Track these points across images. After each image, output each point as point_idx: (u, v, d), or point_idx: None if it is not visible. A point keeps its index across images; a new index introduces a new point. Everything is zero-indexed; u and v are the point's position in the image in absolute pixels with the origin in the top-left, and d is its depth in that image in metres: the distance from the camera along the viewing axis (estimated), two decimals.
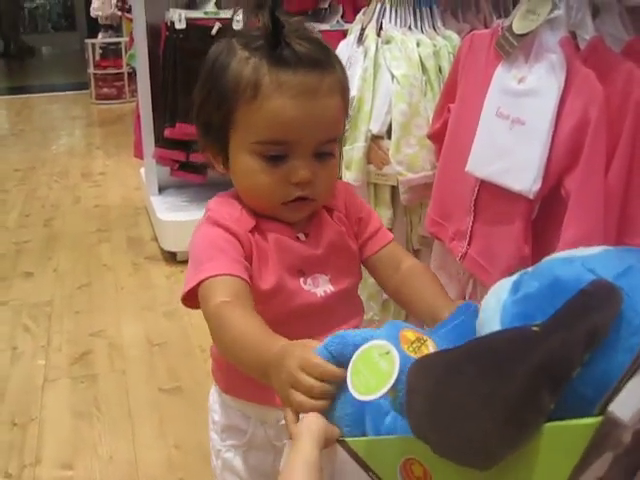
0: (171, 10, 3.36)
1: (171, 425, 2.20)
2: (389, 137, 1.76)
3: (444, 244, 1.62)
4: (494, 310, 0.50)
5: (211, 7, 3.42)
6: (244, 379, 0.82)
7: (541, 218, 1.35)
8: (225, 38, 1.00)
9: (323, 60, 0.95)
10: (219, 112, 0.96)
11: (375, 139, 1.80)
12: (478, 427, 0.41)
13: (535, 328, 0.43)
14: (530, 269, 0.52)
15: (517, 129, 1.34)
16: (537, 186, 1.30)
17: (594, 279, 0.44)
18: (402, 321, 0.63)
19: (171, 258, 3.46)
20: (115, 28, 8.32)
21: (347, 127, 1.76)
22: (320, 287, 1.01)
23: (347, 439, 0.56)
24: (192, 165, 3.44)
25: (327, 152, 0.98)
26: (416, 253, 1.88)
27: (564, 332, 0.41)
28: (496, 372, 0.41)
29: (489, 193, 1.43)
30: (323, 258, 1.02)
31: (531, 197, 1.31)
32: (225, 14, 3.38)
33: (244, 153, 0.96)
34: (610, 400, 0.39)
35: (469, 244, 1.51)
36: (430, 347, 0.59)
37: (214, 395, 1.18)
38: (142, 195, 4.27)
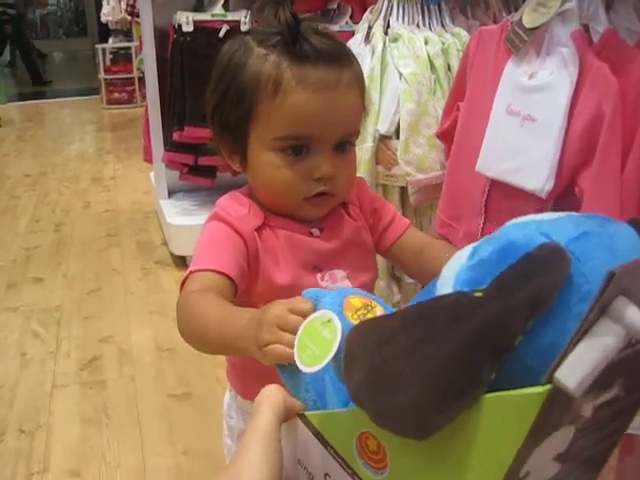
0: (178, 13, 3.34)
1: (180, 431, 2.17)
2: (397, 137, 1.73)
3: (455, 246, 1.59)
4: (449, 275, 0.47)
5: (218, 9, 3.40)
6: (262, 382, 0.79)
7: None
8: (237, 36, 0.99)
9: (341, 55, 0.95)
10: (238, 109, 0.95)
11: (383, 139, 1.77)
12: (411, 396, 0.40)
13: (478, 294, 0.40)
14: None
15: (528, 126, 1.31)
16: (550, 185, 1.26)
17: (542, 242, 0.42)
18: (353, 288, 0.62)
19: (181, 262, 3.44)
20: (125, 33, 8.34)
21: None
22: (338, 283, 1.00)
23: (306, 413, 0.54)
24: (201, 168, 3.41)
25: (348, 142, 0.97)
26: None
27: (503, 298, 0.38)
28: (430, 339, 0.39)
29: (500, 193, 1.40)
30: (339, 253, 1.01)
31: (543, 196, 1.27)
32: (232, 16, 3.35)
33: (264, 149, 0.95)
34: (557, 368, 0.37)
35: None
36: (378, 314, 0.58)
37: (229, 401, 1.16)
38: (152, 199, 4.26)
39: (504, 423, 0.40)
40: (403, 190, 1.79)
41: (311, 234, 1.00)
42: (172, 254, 3.52)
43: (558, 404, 0.38)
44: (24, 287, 3.29)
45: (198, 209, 3.56)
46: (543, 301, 0.39)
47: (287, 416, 0.54)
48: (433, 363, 0.39)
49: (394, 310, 0.57)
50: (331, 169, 0.94)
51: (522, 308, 0.38)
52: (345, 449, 0.50)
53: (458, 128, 1.55)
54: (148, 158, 3.87)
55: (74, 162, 5.74)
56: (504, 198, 1.39)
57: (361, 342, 0.45)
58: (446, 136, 1.63)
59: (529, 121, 1.31)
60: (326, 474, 0.52)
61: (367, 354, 0.43)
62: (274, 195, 0.98)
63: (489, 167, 1.39)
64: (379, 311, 0.59)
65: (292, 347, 0.57)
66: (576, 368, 0.36)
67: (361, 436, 0.48)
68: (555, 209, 1.30)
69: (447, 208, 1.59)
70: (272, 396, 0.54)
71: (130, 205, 4.51)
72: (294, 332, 0.58)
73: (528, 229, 0.44)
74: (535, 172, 1.27)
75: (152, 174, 4.00)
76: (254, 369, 0.83)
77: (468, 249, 0.48)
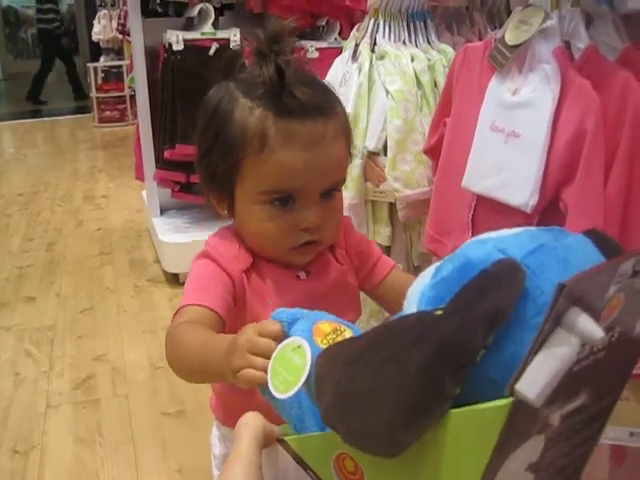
0: (169, 32, 3.37)
1: (174, 449, 2.17)
2: (385, 154, 1.75)
3: None
4: (414, 295, 0.49)
5: (208, 28, 3.43)
6: (243, 409, 0.80)
7: None
8: (222, 83, 0.98)
9: (326, 105, 0.95)
10: (225, 162, 0.95)
11: (371, 156, 1.78)
12: (380, 415, 0.41)
13: (439, 312, 0.41)
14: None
15: (512, 142, 1.32)
16: (534, 200, 1.27)
17: (498, 258, 0.43)
18: (323, 312, 0.64)
19: (173, 280, 3.45)
20: (117, 51, 8.37)
21: None
22: None
23: (285, 437, 0.55)
24: (193, 186, 3.42)
25: (334, 190, 0.97)
26: (417, 270, 1.85)
27: (460, 315, 0.40)
28: (395, 358, 0.40)
29: (486, 208, 1.41)
30: (326, 296, 1.00)
31: (528, 211, 1.29)
32: (222, 34, 3.38)
33: (251, 202, 0.96)
34: (517, 380, 0.38)
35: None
36: (347, 337, 0.59)
37: (214, 430, 1.17)
38: (144, 217, 4.27)
39: (471, 437, 0.40)
40: (392, 206, 1.80)
41: (298, 277, 1.00)
42: (164, 271, 3.52)
43: (523, 415, 0.39)
44: (17, 306, 3.29)
45: (190, 226, 3.57)
46: (500, 315, 0.40)
47: (267, 442, 0.54)
48: (399, 381, 0.40)
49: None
50: (318, 220, 0.94)
51: (480, 323, 0.39)
52: (324, 471, 0.51)
53: (444, 144, 1.56)
54: (140, 176, 3.88)
55: (66, 181, 5.75)
56: (490, 213, 1.41)
57: (329, 365, 0.46)
58: (433, 152, 1.64)
59: (513, 137, 1.32)
60: None
61: (335, 376, 0.44)
62: (261, 244, 0.98)
63: (475, 183, 1.40)
64: (348, 335, 0.60)
65: (264, 370, 0.58)
66: (535, 379, 0.37)
67: (338, 457, 0.49)
68: (540, 224, 1.32)
69: (435, 224, 1.60)
70: (251, 423, 0.55)
71: (122, 223, 4.52)
72: (265, 355, 0.60)
73: (485, 246, 0.45)
74: (520, 187, 1.29)
75: (144, 192, 4.01)
76: (234, 396, 0.84)
77: (432, 268, 0.49)
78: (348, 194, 1.80)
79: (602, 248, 0.46)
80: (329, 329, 0.59)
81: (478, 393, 0.41)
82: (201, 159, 1.00)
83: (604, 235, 0.48)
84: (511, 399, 0.38)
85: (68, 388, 2.57)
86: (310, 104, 0.92)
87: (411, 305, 0.49)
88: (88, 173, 6.09)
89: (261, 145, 0.91)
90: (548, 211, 1.30)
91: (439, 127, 1.61)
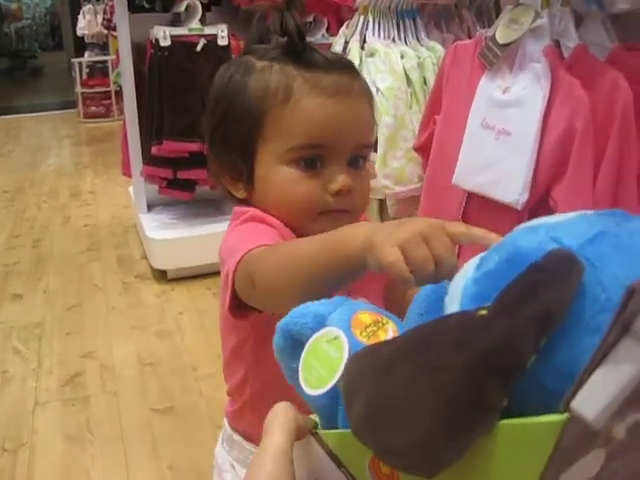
0: (156, 27, 3.35)
1: (164, 446, 2.17)
2: (375, 151, 1.75)
3: None
4: (456, 290, 0.43)
5: (195, 24, 3.41)
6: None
7: None
8: (233, 60, 0.94)
9: (351, 65, 0.92)
10: (243, 126, 0.89)
11: None
12: (417, 430, 0.36)
13: (482, 312, 0.36)
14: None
15: (503, 140, 1.33)
16: (525, 197, 1.29)
17: (552, 249, 0.37)
18: (363, 302, 0.56)
19: (161, 276, 3.44)
20: (101, 46, 8.32)
21: None
22: None
23: (320, 431, 0.50)
24: (180, 182, 3.42)
25: (362, 156, 0.91)
26: None
27: (507, 316, 0.34)
28: (432, 367, 0.36)
29: (477, 205, 1.42)
30: (367, 280, 0.96)
31: (519, 208, 1.30)
32: (209, 30, 3.37)
33: (276, 164, 0.88)
34: (574, 394, 0.33)
35: (459, 257, 1.49)
36: (390, 331, 0.52)
37: (222, 454, 1.06)
38: (131, 213, 4.25)
39: (520, 453, 0.36)
40: (382, 203, 1.81)
41: None
42: (152, 268, 3.51)
43: (579, 432, 0.34)
44: (4, 304, 3.27)
45: (177, 223, 3.56)
46: (554, 316, 0.35)
47: (300, 434, 0.50)
48: (437, 392, 0.35)
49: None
50: (349, 181, 0.87)
51: (530, 325, 0.34)
52: (358, 471, 0.47)
53: (435, 141, 1.57)
54: (127, 172, 3.86)
55: (52, 177, 5.72)
56: (481, 210, 1.42)
57: (359, 372, 0.41)
58: (423, 149, 1.65)
59: (504, 135, 1.33)
60: None
61: (365, 386, 0.40)
62: (289, 212, 0.88)
63: (465, 180, 1.41)
64: (390, 328, 0.53)
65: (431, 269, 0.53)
66: (595, 397, 0.33)
67: (374, 459, 0.45)
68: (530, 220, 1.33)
69: None
70: (282, 414, 0.50)
71: (109, 219, 4.50)
72: (442, 257, 0.54)
73: (537, 234, 0.39)
74: (510, 185, 1.30)
75: (131, 188, 4.00)
76: (274, 398, 0.71)
77: (475, 260, 0.43)
78: None
79: None
80: (370, 320, 0.53)
81: (529, 403, 0.36)
82: (213, 133, 0.93)
83: None
84: (566, 415, 0.33)
85: (57, 385, 2.56)
86: (334, 60, 0.89)
87: (453, 302, 0.43)
88: (74, 169, 6.05)
89: (286, 96, 0.85)
90: (538, 208, 1.32)
91: (429, 124, 1.62)
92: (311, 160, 0.87)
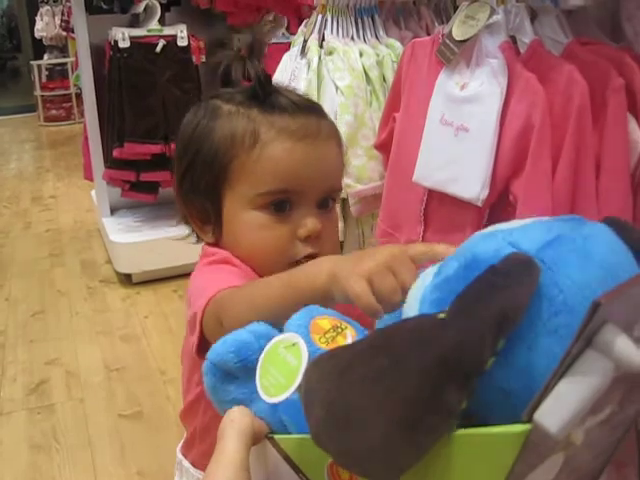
0: (114, 29, 3.32)
1: (132, 451, 2.15)
2: None
3: None
4: (415, 297, 0.44)
5: (154, 25, 3.38)
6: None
7: (492, 224, 1.35)
8: (199, 104, 0.93)
9: (316, 107, 0.92)
10: (211, 172, 0.88)
11: None
12: (375, 432, 0.36)
13: (441, 315, 0.36)
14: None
15: (462, 136, 1.34)
16: (485, 193, 1.29)
17: (509, 253, 0.38)
18: (320, 307, 0.56)
19: (126, 280, 3.41)
20: (61, 49, 8.22)
21: None
22: None
23: (276, 436, 0.49)
24: (143, 185, 3.39)
25: (332, 198, 0.90)
26: None
27: (464, 318, 0.35)
28: (391, 370, 0.36)
29: (438, 202, 1.43)
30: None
31: (479, 204, 1.30)
32: (169, 31, 3.35)
33: (244, 209, 0.87)
34: (537, 406, 0.33)
35: None
36: (349, 337, 0.52)
37: (180, 461, 1.04)
38: (94, 217, 4.21)
39: (483, 462, 0.36)
40: (344, 201, 1.80)
41: None
42: (117, 272, 3.48)
43: (542, 442, 0.34)
44: None
45: (141, 226, 3.53)
46: (512, 317, 0.35)
47: (256, 439, 0.49)
48: (396, 394, 0.35)
49: (367, 332, 0.53)
50: (318, 225, 0.85)
51: (487, 327, 0.34)
52: (316, 476, 0.46)
53: (395, 139, 1.57)
54: (89, 176, 3.82)
55: (12, 181, 5.63)
56: (442, 206, 1.42)
57: (318, 377, 0.41)
58: (384, 147, 1.65)
59: (462, 131, 1.34)
60: None
61: (325, 390, 0.39)
62: (257, 259, 0.87)
63: (426, 177, 1.42)
64: (349, 333, 0.53)
65: (396, 297, 0.51)
66: (558, 410, 0.33)
67: (332, 463, 0.45)
68: (491, 217, 1.34)
69: (387, 217, 1.61)
70: (237, 419, 0.49)
71: (72, 224, 4.45)
72: (405, 283, 0.51)
73: (494, 240, 0.40)
74: (470, 181, 1.30)
75: (93, 192, 3.95)
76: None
77: (434, 267, 0.44)
78: None
79: (624, 237, 0.41)
80: (328, 326, 0.53)
81: (488, 404, 0.37)
82: (182, 179, 0.91)
83: (625, 223, 0.43)
84: (528, 426, 0.33)
85: (21, 394, 2.52)
86: (300, 103, 0.88)
87: (411, 308, 0.44)
88: (35, 173, 5.97)
89: (253, 141, 0.85)
90: (499, 204, 1.32)
91: (389, 122, 1.62)
92: (280, 204, 0.86)
